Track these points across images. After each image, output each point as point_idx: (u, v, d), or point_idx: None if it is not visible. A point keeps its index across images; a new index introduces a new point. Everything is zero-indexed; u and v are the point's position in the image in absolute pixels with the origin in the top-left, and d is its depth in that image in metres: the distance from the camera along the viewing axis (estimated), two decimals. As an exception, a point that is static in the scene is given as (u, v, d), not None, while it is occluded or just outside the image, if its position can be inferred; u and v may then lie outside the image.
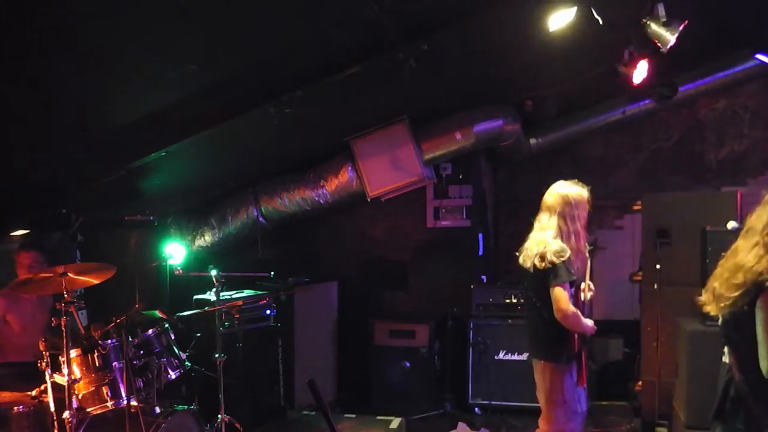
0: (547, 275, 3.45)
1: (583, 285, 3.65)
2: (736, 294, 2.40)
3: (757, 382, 2.37)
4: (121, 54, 3.21)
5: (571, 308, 3.44)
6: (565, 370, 3.56)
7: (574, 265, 3.50)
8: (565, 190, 3.62)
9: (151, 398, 3.80)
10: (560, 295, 3.42)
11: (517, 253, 3.71)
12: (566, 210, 3.55)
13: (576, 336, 3.52)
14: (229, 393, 4.54)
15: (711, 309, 2.59)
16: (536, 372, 3.72)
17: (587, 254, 3.64)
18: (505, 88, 5.69)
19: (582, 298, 3.64)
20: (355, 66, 4.04)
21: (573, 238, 3.53)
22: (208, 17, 3.16)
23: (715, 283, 2.55)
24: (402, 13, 3.68)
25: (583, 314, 3.54)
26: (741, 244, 2.52)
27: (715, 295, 2.54)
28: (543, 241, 3.52)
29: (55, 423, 3.45)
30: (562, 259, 3.43)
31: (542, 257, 3.47)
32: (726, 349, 2.61)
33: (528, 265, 3.59)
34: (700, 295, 2.70)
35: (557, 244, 3.47)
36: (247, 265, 5.84)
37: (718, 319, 2.61)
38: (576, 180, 3.70)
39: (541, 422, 3.75)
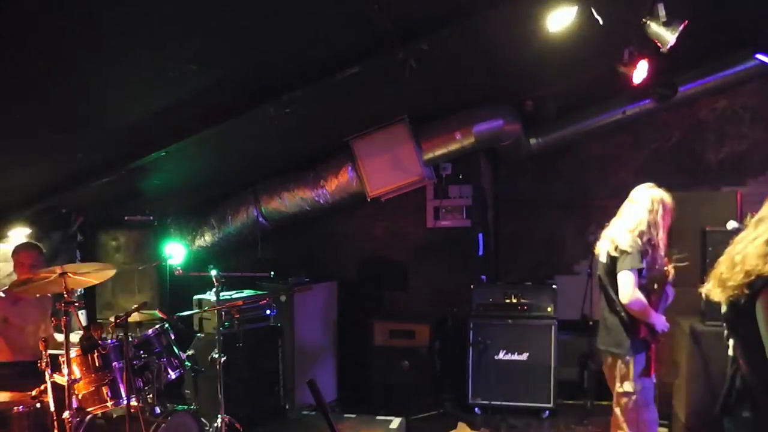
0: (617, 261, 3.52)
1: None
2: (742, 281, 2.38)
3: (764, 372, 2.36)
4: (121, 54, 3.21)
5: (637, 294, 3.46)
6: (630, 361, 3.56)
7: (651, 259, 3.52)
8: (659, 192, 3.66)
9: (151, 398, 3.80)
10: (626, 279, 3.45)
11: (597, 241, 3.80)
12: (656, 208, 3.58)
13: (642, 326, 3.53)
14: (229, 393, 4.53)
15: (715, 295, 2.59)
16: (603, 362, 3.77)
17: (666, 260, 3.62)
18: (505, 88, 5.68)
19: (658, 292, 3.61)
20: (355, 66, 4.03)
21: (654, 237, 3.53)
22: (208, 17, 3.16)
23: (722, 267, 2.54)
24: (402, 13, 3.68)
25: (657, 310, 3.57)
26: (750, 234, 2.51)
27: (721, 280, 2.52)
28: (620, 230, 3.58)
29: (55, 423, 3.45)
30: (634, 249, 3.48)
31: (615, 244, 3.55)
32: (731, 342, 2.59)
33: (602, 253, 3.67)
34: (700, 294, 2.69)
35: (631, 237, 3.51)
36: (247, 265, 5.84)
37: (722, 307, 2.60)
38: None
39: (615, 409, 3.74)
